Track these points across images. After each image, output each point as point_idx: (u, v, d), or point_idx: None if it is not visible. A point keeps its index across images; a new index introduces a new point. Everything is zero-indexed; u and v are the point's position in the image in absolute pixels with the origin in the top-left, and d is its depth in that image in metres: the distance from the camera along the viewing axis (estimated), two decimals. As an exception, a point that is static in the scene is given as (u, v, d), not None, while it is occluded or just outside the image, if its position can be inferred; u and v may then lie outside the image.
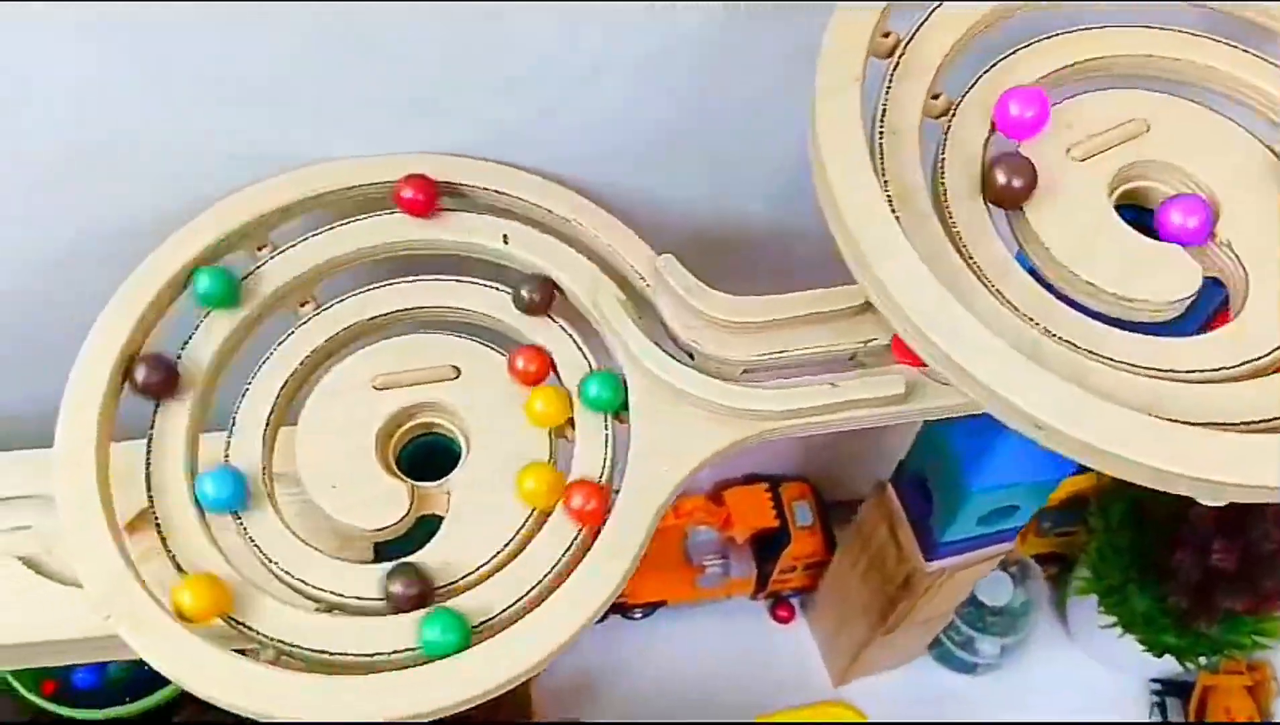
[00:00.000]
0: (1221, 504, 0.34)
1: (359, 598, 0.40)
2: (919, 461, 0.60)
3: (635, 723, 0.82)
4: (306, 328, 0.45)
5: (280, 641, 0.38)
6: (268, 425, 0.43)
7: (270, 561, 0.41)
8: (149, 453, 0.42)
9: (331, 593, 0.40)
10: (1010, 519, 0.58)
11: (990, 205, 0.38)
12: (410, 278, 0.47)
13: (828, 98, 0.36)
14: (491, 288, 0.46)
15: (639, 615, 0.87)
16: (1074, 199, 0.39)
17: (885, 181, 0.37)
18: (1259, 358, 0.37)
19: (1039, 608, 0.84)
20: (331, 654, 0.38)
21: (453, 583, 0.41)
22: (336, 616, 0.40)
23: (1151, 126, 0.41)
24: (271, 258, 0.46)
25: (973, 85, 0.40)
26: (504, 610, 0.40)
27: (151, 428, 0.42)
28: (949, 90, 0.40)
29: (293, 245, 0.46)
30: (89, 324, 0.43)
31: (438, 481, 0.43)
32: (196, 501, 0.41)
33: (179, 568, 0.40)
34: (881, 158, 0.36)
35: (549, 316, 0.46)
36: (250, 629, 0.39)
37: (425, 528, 0.43)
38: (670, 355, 0.43)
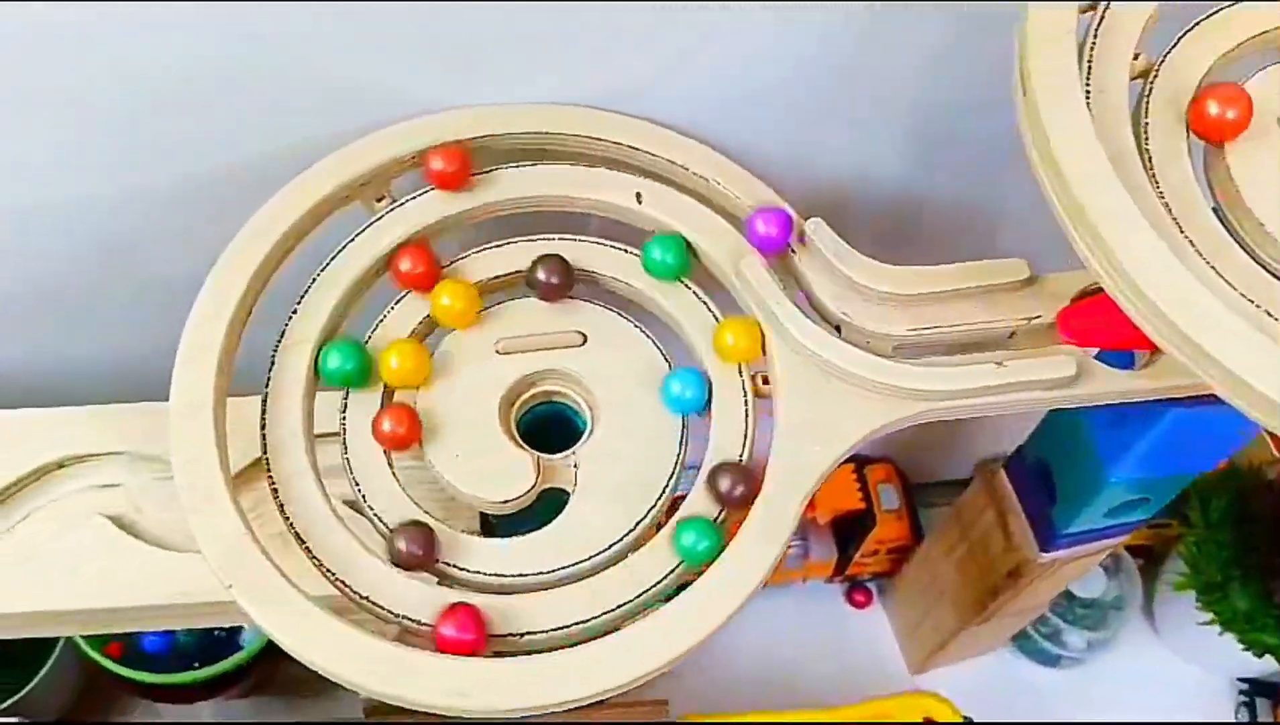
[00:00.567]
0: None
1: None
2: (1043, 448, 0.57)
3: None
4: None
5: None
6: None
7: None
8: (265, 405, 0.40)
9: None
10: (1138, 511, 0.55)
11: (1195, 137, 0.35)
12: (532, 236, 0.44)
13: (1040, 48, 0.33)
14: (621, 250, 0.43)
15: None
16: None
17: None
18: None
19: (1131, 603, 0.81)
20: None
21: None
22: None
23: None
24: (389, 211, 0.43)
25: (1175, 45, 0.36)
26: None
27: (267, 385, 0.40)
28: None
29: (413, 197, 0.43)
30: (192, 274, 0.40)
31: (561, 453, 0.41)
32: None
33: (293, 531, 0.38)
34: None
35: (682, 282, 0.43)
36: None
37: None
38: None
